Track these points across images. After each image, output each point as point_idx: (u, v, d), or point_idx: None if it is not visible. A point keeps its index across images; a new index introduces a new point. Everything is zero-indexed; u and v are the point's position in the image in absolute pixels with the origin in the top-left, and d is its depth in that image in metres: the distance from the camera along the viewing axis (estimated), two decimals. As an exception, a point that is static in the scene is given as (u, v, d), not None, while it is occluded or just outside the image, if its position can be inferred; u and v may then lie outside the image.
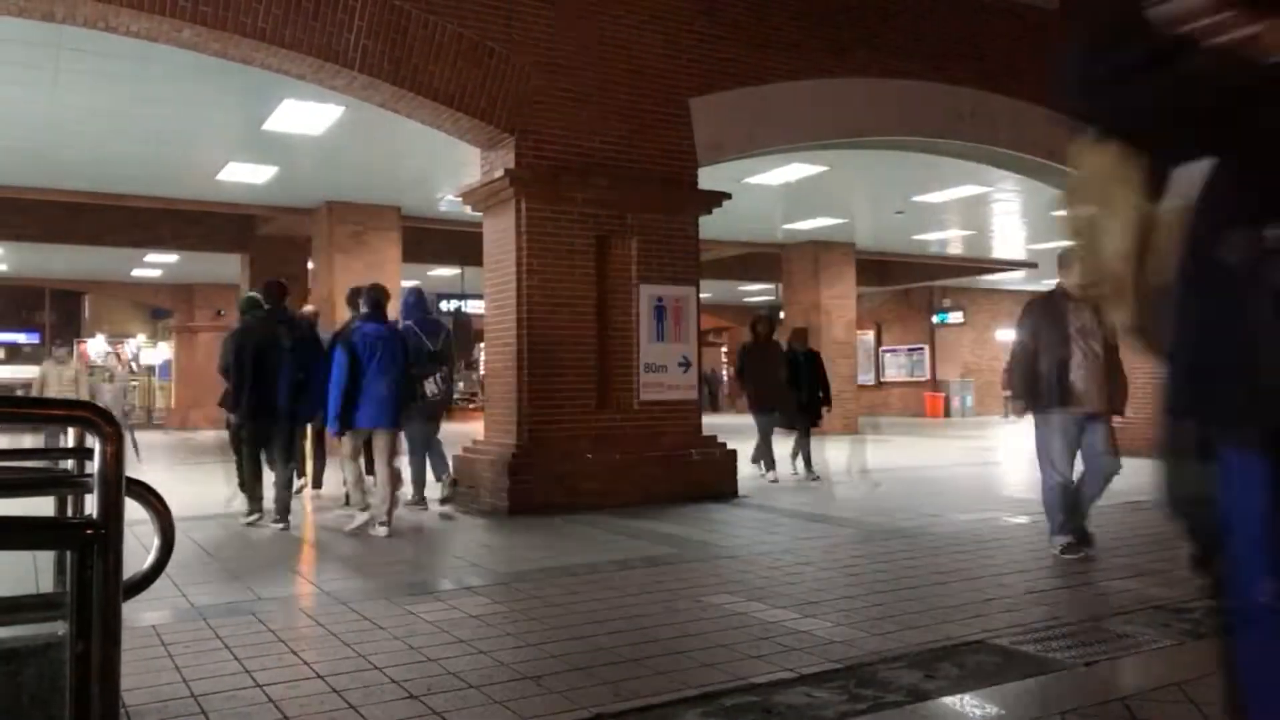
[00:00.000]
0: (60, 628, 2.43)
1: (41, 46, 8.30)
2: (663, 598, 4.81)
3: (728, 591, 4.94)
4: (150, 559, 2.49)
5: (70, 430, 3.09)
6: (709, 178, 9.33)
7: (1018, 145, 11.05)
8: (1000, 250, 22.00)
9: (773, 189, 14.42)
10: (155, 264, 21.74)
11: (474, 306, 21.90)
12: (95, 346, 43.15)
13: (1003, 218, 17.78)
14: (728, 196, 9.40)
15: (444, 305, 22.61)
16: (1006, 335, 29.02)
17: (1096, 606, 4.56)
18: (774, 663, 3.68)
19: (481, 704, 3.25)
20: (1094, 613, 4.43)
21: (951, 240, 20.48)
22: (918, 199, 15.70)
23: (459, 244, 18.14)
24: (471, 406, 26.69)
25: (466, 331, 23.35)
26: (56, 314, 56.03)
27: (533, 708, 3.21)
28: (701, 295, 9.36)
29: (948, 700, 3.28)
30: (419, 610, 4.57)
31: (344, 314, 14.82)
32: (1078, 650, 3.82)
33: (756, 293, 28.49)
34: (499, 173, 8.34)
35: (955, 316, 27.18)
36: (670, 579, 5.28)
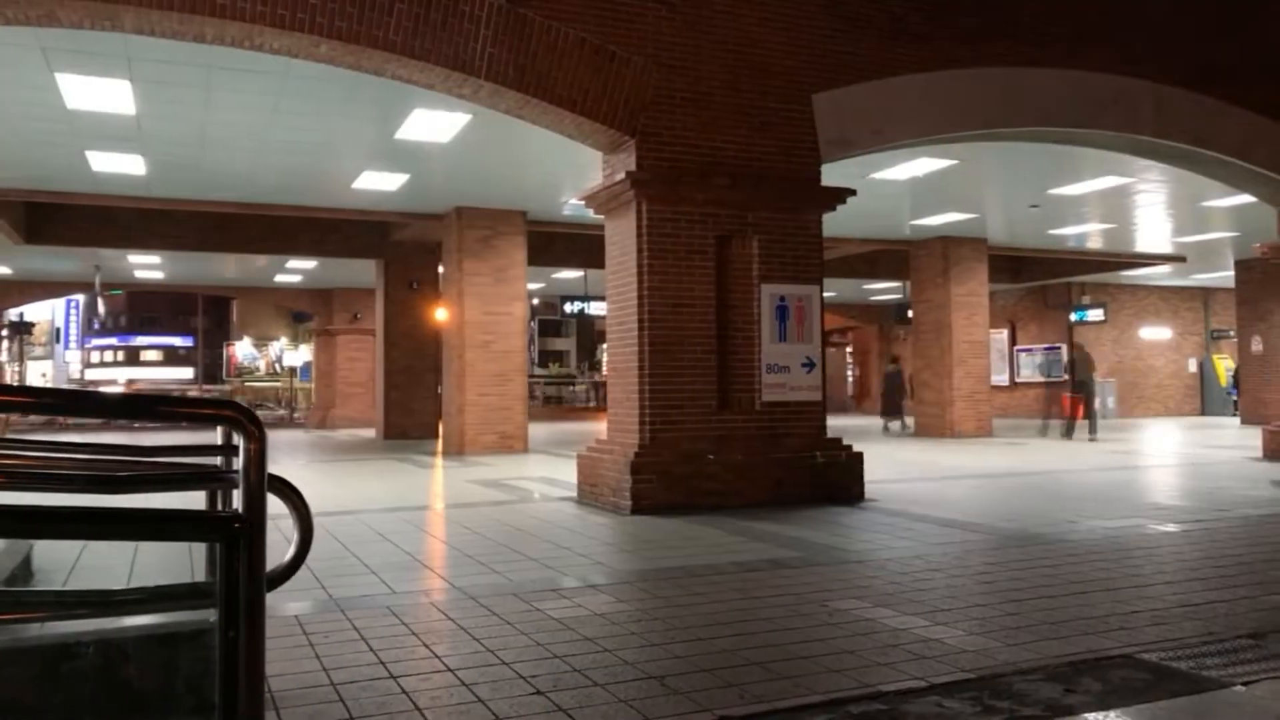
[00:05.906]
0: (212, 616, 2.57)
1: (194, 67, 8.82)
2: (787, 601, 4.75)
3: (854, 596, 4.84)
4: (291, 552, 2.60)
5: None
6: (833, 174, 9.17)
7: (1164, 133, 10.45)
8: (1144, 244, 20.88)
9: (900, 184, 14.08)
10: (296, 270, 22.82)
11: (597, 308, 22.19)
12: (242, 349, 45.66)
13: (1146, 210, 16.86)
14: (852, 193, 9.22)
15: (567, 307, 23.00)
16: (1151, 333, 27.54)
17: (1255, 621, 4.25)
18: (903, 670, 3.58)
19: (606, 702, 3.27)
20: (1252, 628, 4.13)
21: (1091, 234, 19.55)
22: (1054, 191, 15.05)
23: (582, 246, 18.44)
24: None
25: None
26: (208, 319, 59.49)
27: (658, 708, 3.21)
28: (826, 294, 9.20)
29: (1090, 716, 3.11)
30: (545, 607, 4.64)
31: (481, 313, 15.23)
32: (1235, 668, 3.57)
33: (883, 291, 27.87)
34: (620, 175, 8.40)
35: (1095, 314, 25.88)
36: (795, 582, 5.21)
